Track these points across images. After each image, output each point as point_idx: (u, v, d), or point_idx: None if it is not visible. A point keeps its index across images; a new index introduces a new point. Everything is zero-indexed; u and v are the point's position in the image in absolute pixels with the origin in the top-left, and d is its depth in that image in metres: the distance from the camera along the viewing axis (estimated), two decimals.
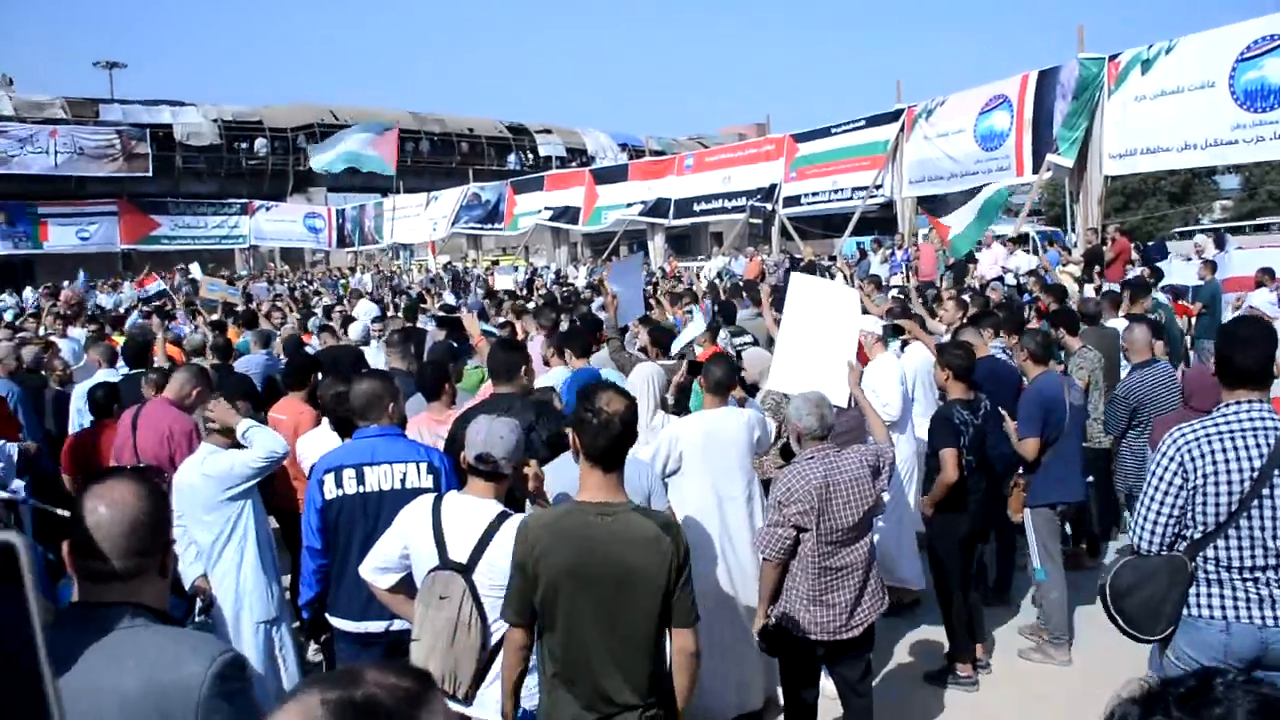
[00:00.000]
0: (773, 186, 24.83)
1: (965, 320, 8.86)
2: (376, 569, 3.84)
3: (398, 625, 4.22)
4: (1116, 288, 11.64)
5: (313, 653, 6.12)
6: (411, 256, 41.17)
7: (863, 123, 22.69)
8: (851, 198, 22.57)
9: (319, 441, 5.63)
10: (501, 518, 3.59)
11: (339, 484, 4.36)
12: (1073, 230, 18.66)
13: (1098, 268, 15.15)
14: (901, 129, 21.25)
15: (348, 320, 11.79)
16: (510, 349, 5.73)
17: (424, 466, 4.39)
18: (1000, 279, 15.39)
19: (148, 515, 2.11)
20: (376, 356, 9.14)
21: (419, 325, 11.33)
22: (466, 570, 3.52)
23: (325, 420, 5.91)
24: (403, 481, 4.35)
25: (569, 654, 3.30)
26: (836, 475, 4.48)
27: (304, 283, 29.67)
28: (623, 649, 3.25)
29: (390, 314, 14.84)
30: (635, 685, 3.25)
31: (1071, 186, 18.61)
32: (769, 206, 24.67)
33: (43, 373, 9.23)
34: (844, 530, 4.49)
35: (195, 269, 25.85)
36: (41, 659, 0.98)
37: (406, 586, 3.81)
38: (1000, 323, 8.25)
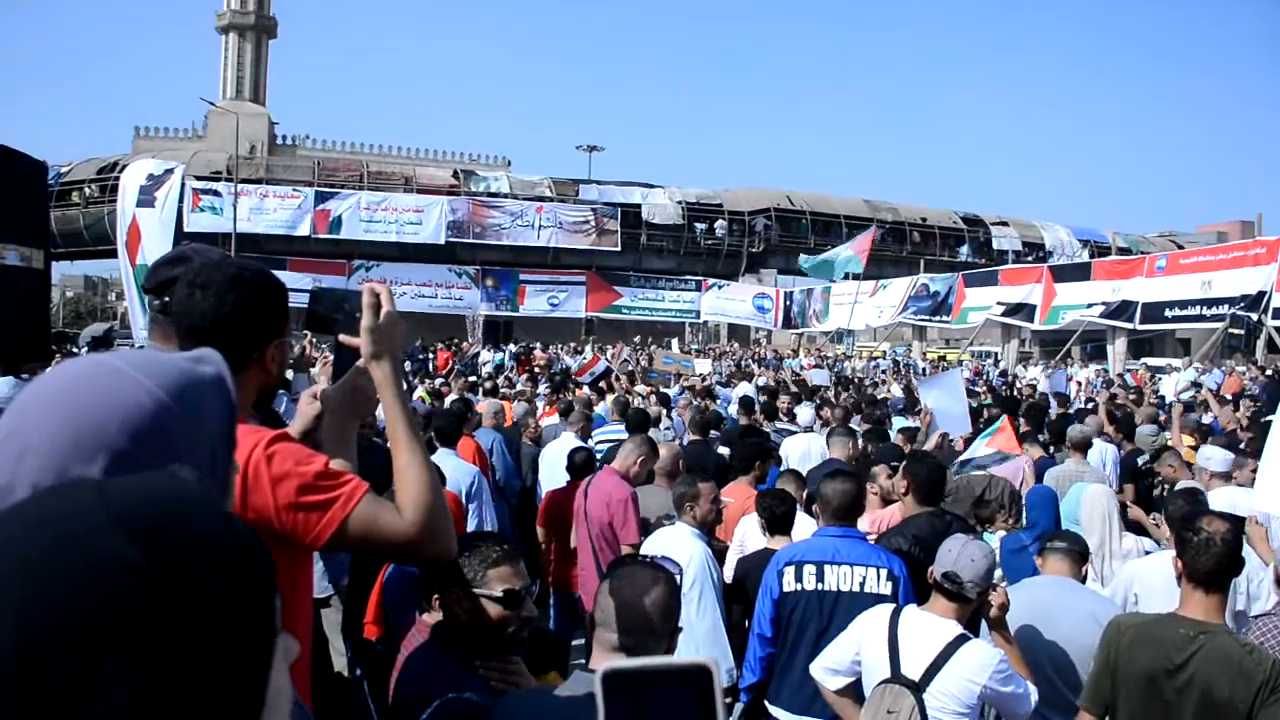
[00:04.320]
0: (1261, 294, 22.57)
1: None
2: (827, 669, 3.84)
3: None
4: None
5: None
6: (854, 342, 41.28)
7: None
8: None
9: (753, 527, 5.65)
10: (960, 640, 3.50)
11: (799, 578, 4.40)
12: None
13: None
14: None
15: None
16: (934, 466, 5.53)
17: (884, 573, 4.35)
18: None
19: (663, 602, 2.34)
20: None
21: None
22: (918, 688, 3.44)
23: None
24: (862, 585, 4.33)
25: None
26: None
27: (748, 361, 30.46)
28: None
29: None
30: None
31: None
32: (1255, 316, 22.43)
33: (519, 429, 9.98)
34: None
35: (675, 346, 27.21)
36: None
37: (854, 692, 3.77)
38: None
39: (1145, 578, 4.94)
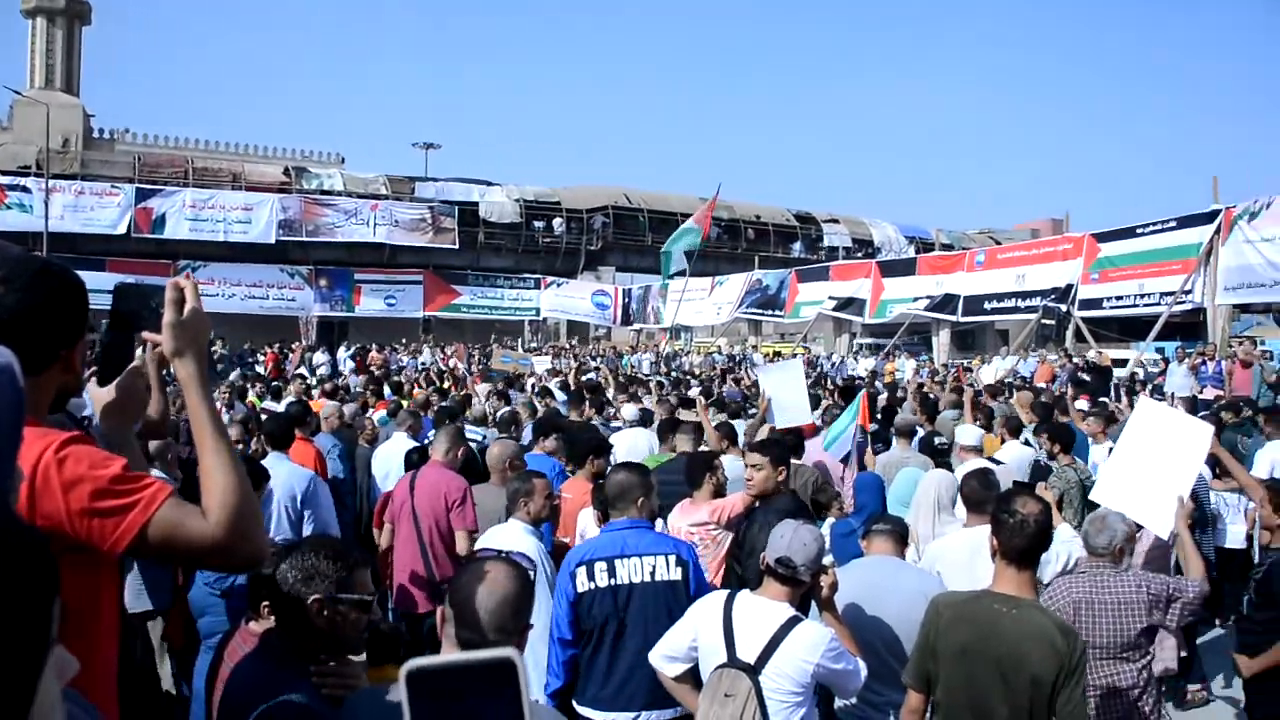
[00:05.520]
0: (1069, 287, 23.78)
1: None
2: (665, 657, 3.88)
3: (646, 716, 4.30)
4: None
5: None
6: (692, 339, 41.80)
7: (1173, 223, 21.46)
8: (1159, 303, 21.28)
9: (593, 521, 5.68)
10: (793, 622, 3.58)
11: (591, 577, 4.41)
12: None
13: None
14: (1217, 231, 19.91)
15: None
16: (784, 446, 5.83)
17: (673, 559, 4.44)
18: None
19: (515, 597, 2.34)
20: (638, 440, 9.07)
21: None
22: (754, 670, 3.50)
23: None
24: (652, 574, 4.41)
25: None
26: (1102, 595, 4.39)
27: (587, 359, 30.46)
28: None
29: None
30: None
31: None
32: (1064, 308, 23.62)
33: (355, 429, 9.82)
34: (1102, 649, 4.34)
35: (520, 346, 26.92)
36: None
37: (692, 677, 3.83)
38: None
39: (945, 556, 5.25)
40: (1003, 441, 9.11)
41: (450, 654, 1.16)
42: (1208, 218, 20.39)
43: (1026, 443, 9.32)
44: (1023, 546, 3.56)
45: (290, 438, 7.29)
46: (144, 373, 2.22)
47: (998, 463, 7.58)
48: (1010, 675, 3.42)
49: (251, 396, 14.54)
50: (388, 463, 8.21)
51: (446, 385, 17.20)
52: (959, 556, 5.14)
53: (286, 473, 6.54)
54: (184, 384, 2.03)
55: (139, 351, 2.31)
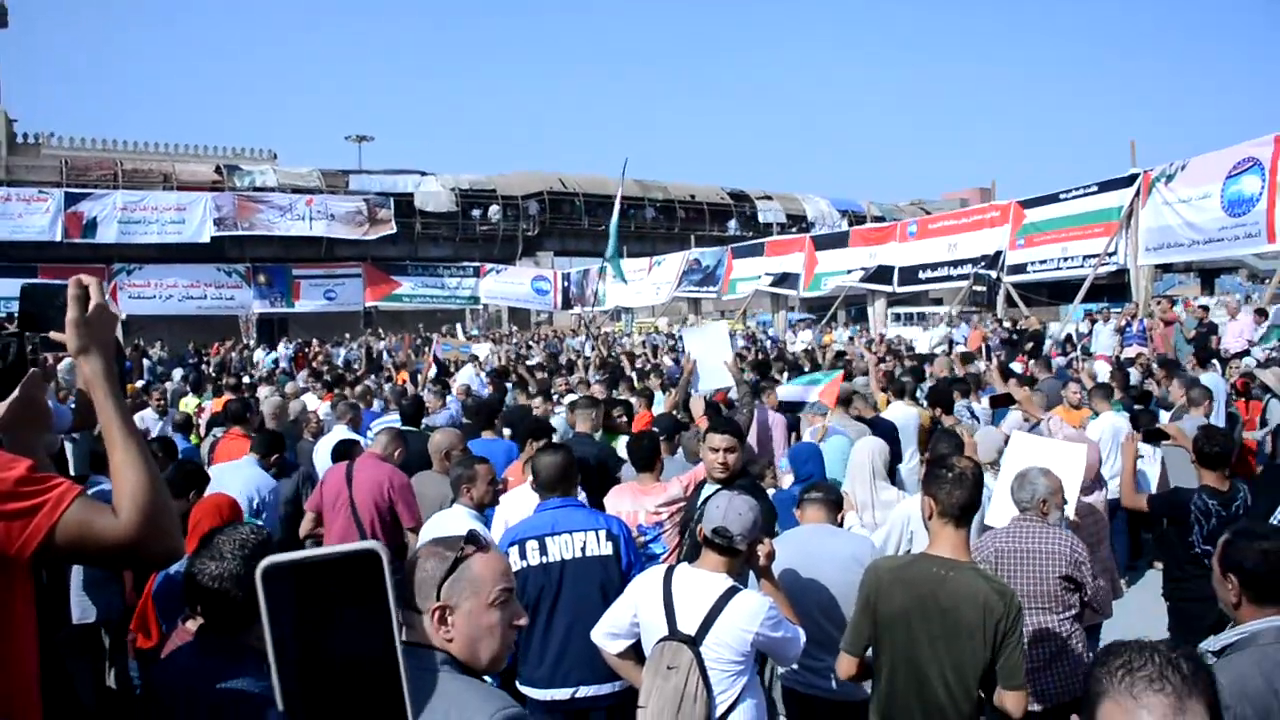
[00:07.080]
0: (998, 253, 24.17)
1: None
2: (607, 634, 3.92)
3: (583, 692, 4.37)
4: None
5: None
6: (633, 320, 41.93)
7: (1094, 188, 21.78)
8: (1083, 265, 21.75)
9: (520, 500, 5.62)
10: (731, 592, 3.61)
11: (523, 556, 4.46)
12: None
13: None
14: (1137, 194, 20.33)
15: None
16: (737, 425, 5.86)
17: (603, 534, 4.53)
18: (1246, 353, 14.50)
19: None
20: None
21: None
22: (695, 642, 3.55)
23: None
24: (583, 550, 4.48)
25: (892, 691, 3.61)
26: (1023, 545, 4.56)
27: (528, 344, 30.43)
28: (940, 696, 3.50)
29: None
30: None
31: None
32: (994, 274, 24.03)
33: (299, 424, 9.90)
34: (1024, 598, 4.42)
35: (460, 333, 26.85)
36: (398, 653, 1.11)
37: (635, 653, 3.89)
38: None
39: (917, 514, 5.35)
40: (888, 402, 9.50)
41: (308, 550, 1.09)
42: (1127, 181, 20.69)
43: (917, 402, 9.74)
44: (964, 500, 3.59)
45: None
46: (41, 383, 2.19)
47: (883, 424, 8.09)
48: (949, 638, 3.48)
49: (191, 398, 14.49)
50: (329, 456, 8.27)
51: (388, 375, 17.35)
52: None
53: (252, 477, 6.55)
54: (90, 381, 1.98)
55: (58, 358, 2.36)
